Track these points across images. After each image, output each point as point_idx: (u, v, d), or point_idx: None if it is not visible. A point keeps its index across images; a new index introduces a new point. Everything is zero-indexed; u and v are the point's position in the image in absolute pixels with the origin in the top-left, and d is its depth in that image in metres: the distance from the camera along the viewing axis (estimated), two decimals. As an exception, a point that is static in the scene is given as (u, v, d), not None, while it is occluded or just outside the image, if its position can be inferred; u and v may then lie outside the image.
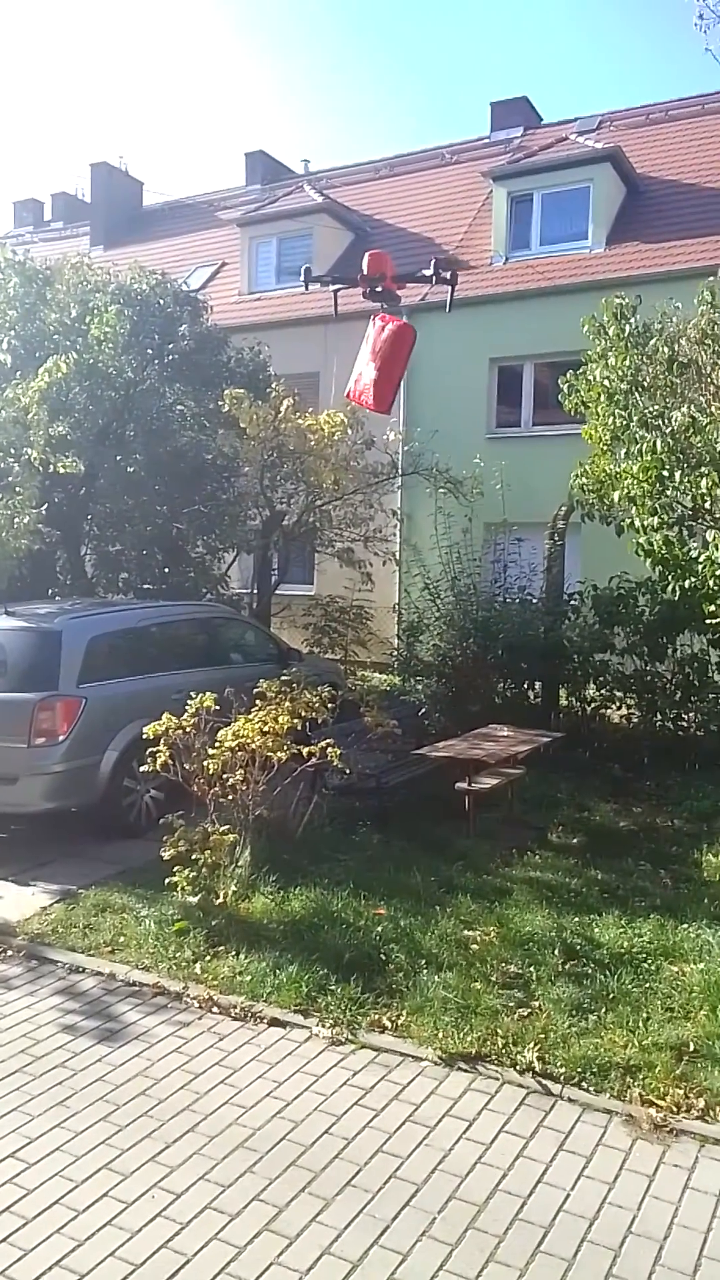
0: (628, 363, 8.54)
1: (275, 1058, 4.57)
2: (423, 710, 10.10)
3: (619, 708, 10.23)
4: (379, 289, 7.47)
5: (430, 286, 8.09)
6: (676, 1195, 3.64)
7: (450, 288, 7.85)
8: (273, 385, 12.98)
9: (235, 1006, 5.00)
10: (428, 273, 7.69)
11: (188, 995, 5.15)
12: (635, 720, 10.13)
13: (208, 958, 5.49)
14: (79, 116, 71.66)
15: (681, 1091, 4.21)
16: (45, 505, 10.46)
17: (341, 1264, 3.27)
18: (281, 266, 20.00)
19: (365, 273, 7.45)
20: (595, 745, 9.94)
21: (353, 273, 7.69)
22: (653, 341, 8.53)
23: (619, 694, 10.15)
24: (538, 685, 10.72)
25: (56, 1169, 3.74)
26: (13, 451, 9.99)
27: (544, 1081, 4.33)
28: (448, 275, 7.76)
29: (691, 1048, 4.51)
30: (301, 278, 7.91)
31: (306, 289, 7.78)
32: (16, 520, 9.48)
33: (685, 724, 9.90)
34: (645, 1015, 4.80)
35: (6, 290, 11.46)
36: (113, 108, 72.63)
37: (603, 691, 10.22)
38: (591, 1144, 3.94)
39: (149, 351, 12.41)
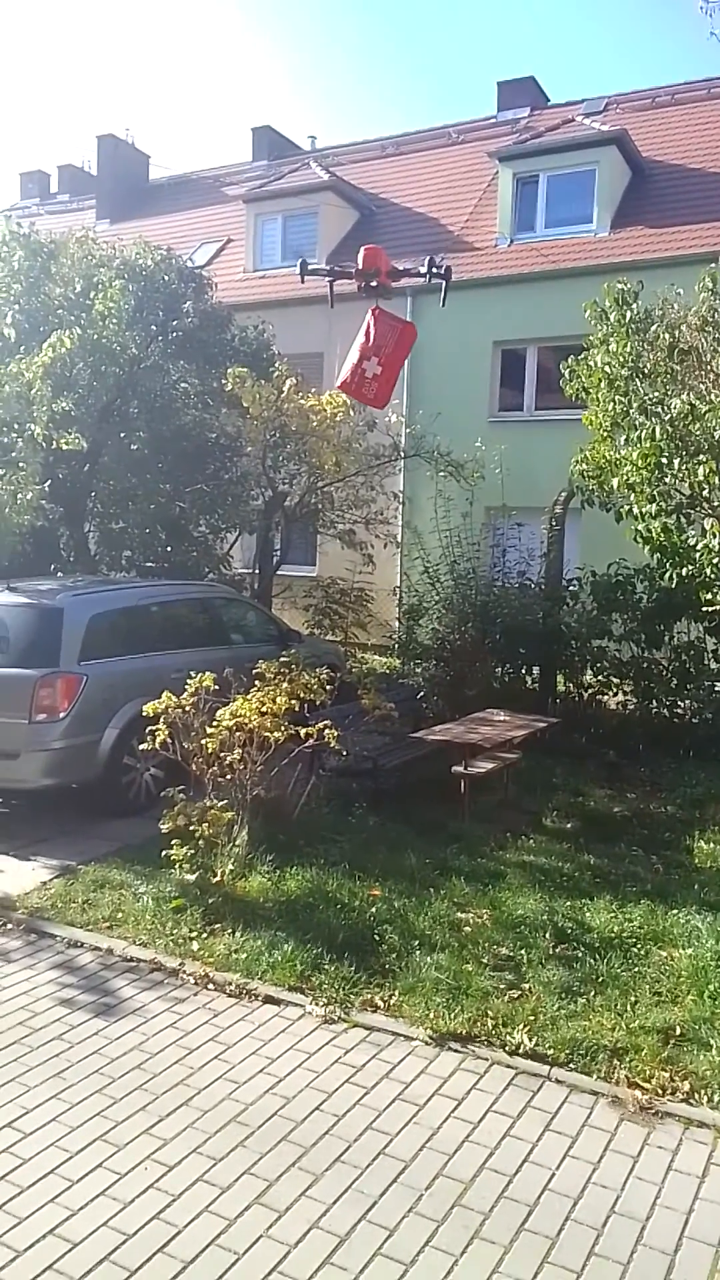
0: (629, 349, 8.52)
1: (269, 1035, 4.64)
2: (421, 694, 10.15)
3: (615, 694, 10.29)
4: (374, 284, 7.50)
5: (426, 281, 8.18)
6: (660, 1176, 3.71)
7: (445, 283, 7.88)
8: (276, 364, 12.93)
9: (230, 984, 5.07)
10: (422, 269, 7.74)
11: (184, 972, 5.22)
12: (631, 707, 10.19)
13: (204, 935, 5.56)
14: (86, 88, 70.95)
15: (667, 1074, 4.28)
16: (48, 481, 10.45)
17: (330, 1238, 3.34)
18: (287, 244, 19.89)
19: (360, 268, 7.49)
20: (591, 731, 9.99)
21: (351, 261, 7.73)
22: (654, 328, 8.51)
23: (615, 680, 10.20)
24: (535, 670, 10.77)
25: (52, 1139, 3.82)
26: (16, 427, 9.98)
27: (532, 1062, 4.40)
28: (442, 271, 7.80)
29: (678, 1031, 4.58)
30: (298, 270, 7.95)
31: (303, 280, 7.83)
32: (19, 496, 9.49)
33: (681, 711, 9.96)
34: (633, 999, 4.88)
35: (11, 264, 11.39)
36: (120, 80, 71.87)
37: (600, 677, 10.27)
38: (578, 1124, 4.01)
39: (153, 328, 12.35)
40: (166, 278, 12.54)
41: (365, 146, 23.61)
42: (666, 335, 8.42)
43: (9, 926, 5.79)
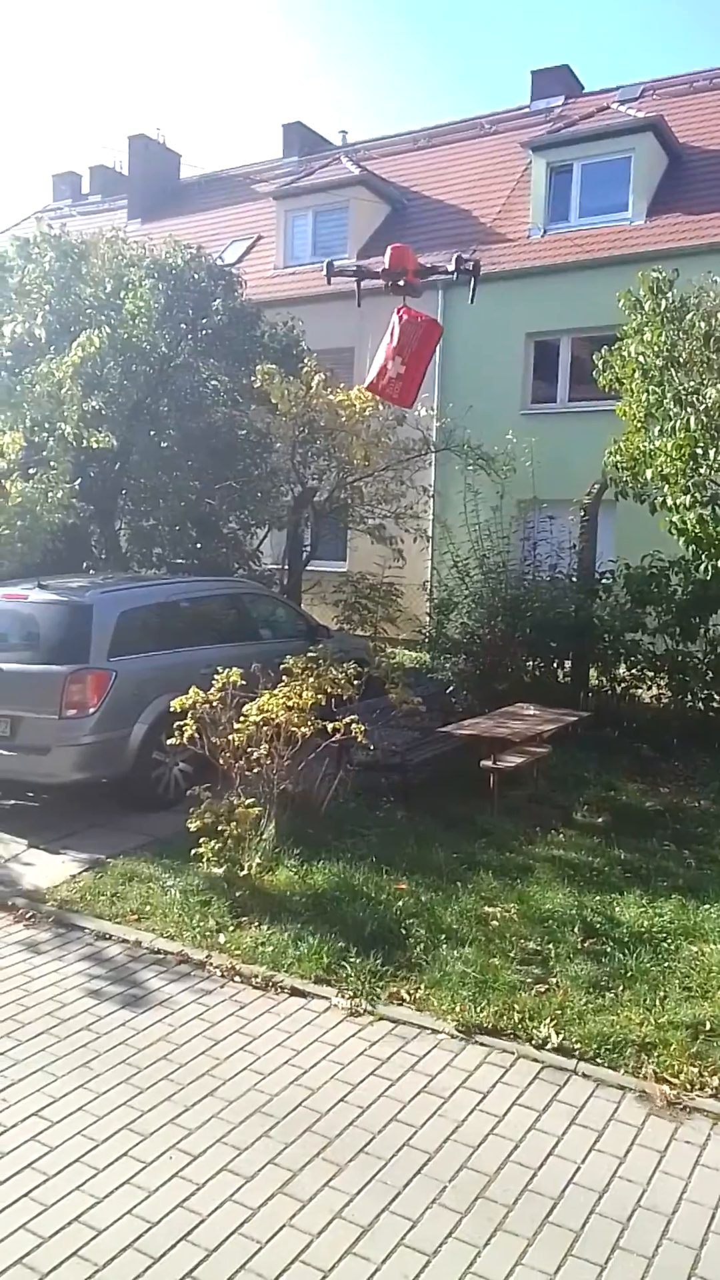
0: (663, 338, 8.42)
1: (294, 1027, 4.65)
2: (450, 688, 10.11)
3: (649, 688, 10.17)
4: (400, 283, 7.46)
5: (454, 279, 8.13)
6: (687, 1171, 3.67)
7: (474, 279, 7.81)
8: (305, 360, 12.95)
9: (256, 976, 5.09)
10: (450, 267, 7.68)
11: (210, 964, 5.25)
12: (665, 700, 10.07)
13: (231, 928, 5.59)
14: (118, 88, 71.45)
15: (696, 1070, 4.23)
16: (79, 480, 10.56)
17: (352, 1228, 3.34)
18: (317, 240, 19.88)
19: (387, 266, 7.45)
20: (624, 725, 9.88)
21: (380, 258, 7.70)
22: (689, 316, 8.39)
23: (649, 674, 10.08)
24: (567, 664, 10.68)
25: (78, 1128, 3.85)
26: (47, 426, 10.08)
27: (559, 1056, 4.37)
28: (470, 268, 7.74)
29: (708, 1027, 4.52)
30: (324, 271, 7.92)
31: (329, 282, 7.80)
32: (50, 494, 9.59)
33: (716, 705, 9.82)
34: (663, 994, 4.82)
35: (42, 265, 11.53)
36: (151, 79, 72.33)
37: (633, 671, 10.16)
38: (604, 1119, 3.97)
39: (183, 326, 12.42)
40: (196, 276, 12.60)
41: (396, 140, 23.54)
42: (702, 323, 8.30)
43: (39, 918, 5.86)
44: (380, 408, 12.13)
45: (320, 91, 68.84)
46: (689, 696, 9.90)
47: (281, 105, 73.14)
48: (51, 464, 9.81)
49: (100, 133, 63.00)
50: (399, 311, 7.33)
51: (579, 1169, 3.67)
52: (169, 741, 6.62)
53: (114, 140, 48.64)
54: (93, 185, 29.37)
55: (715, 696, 9.83)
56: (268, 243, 21.03)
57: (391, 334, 7.27)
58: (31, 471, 9.85)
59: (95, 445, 10.14)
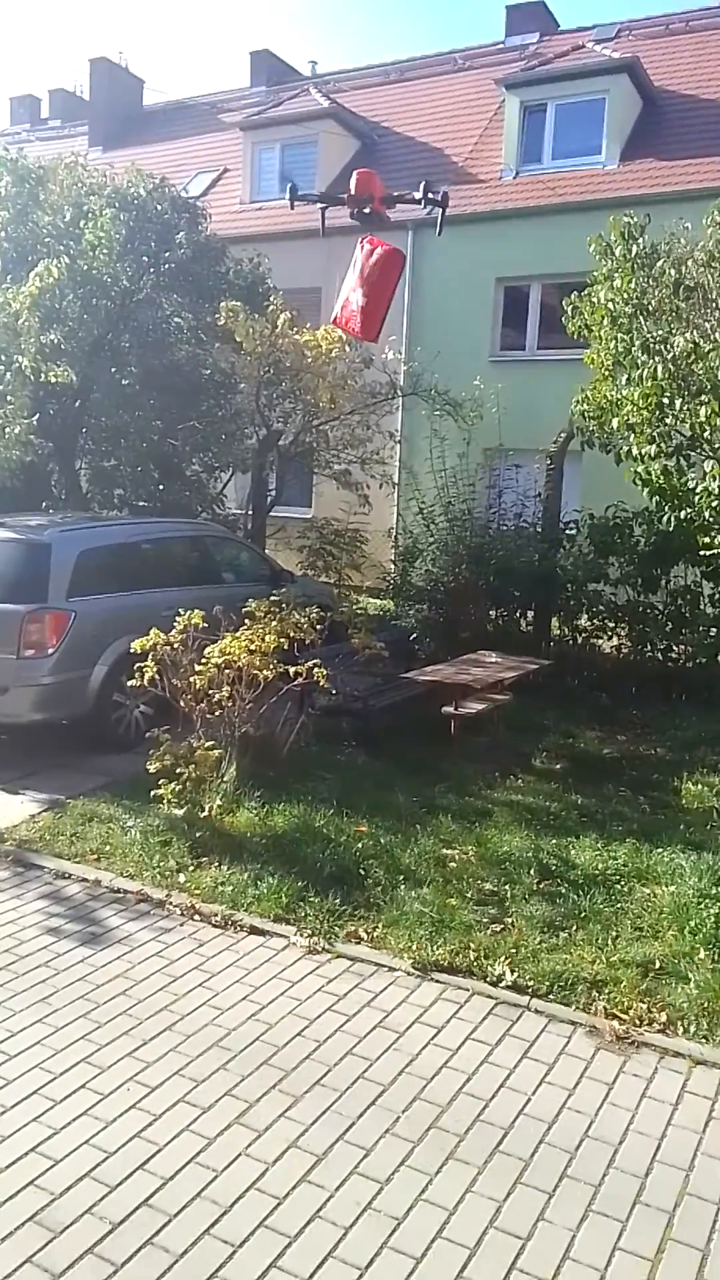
0: (633, 285, 8.31)
1: (253, 964, 4.69)
2: (413, 635, 10.13)
3: (610, 638, 10.26)
4: (367, 210, 7.25)
5: (421, 208, 7.88)
6: (634, 1103, 3.78)
7: (441, 209, 7.61)
8: (271, 299, 12.67)
9: (216, 915, 5.12)
10: (417, 195, 7.46)
11: (170, 903, 5.26)
12: (625, 651, 10.17)
13: (191, 868, 5.60)
14: (80, 9, 68.51)
15: (645, 1006, 4.34)
16: (37, 416, 10.28)
17: (307, 1157, 3.40)
18: (285, 174, 19.33)
19: (353, 193, 7.22)
20: (584, 674, 9.98)
21: (341, 191, 7.46)
22: (660, 263, 8.29)
23: (610, 624, 10.16)
24: (530, 614, 10.73)
25: (36, 1061, 3.87)
26: (3, 359, 9.79)
27: (513, 993, 4.46)
28: (438, 197, 7.53)
29: (658, 965, 4.64)
30: (286, 196, 7.67)
31: (292, 207, 7.55)
32: (7, 430, 9.36)
33: (675, 656, 9.94)
34: (615, 934, 4.93)
35: (-2, 189, 11.09)
36: (115, 0, 69.36)
37: (594, 621, 10.24)
38: (555, 1053, 4.07)
39: (145, 259, 12.04)
40: (159, 207, 12.19)
41: (368, 73, 22.90)
42: (672, 271, 8.20)
43: (-3, 858, 5.83)
44: (347, 348, 11.93)
45: (290, 20, 66.61)
46: (648, 647, 10.00)
47: (250, 33, 70.68)
48: (9, 398, 9.54)
49: (60, 55, 60.59)
50: (362, 241, 7.13)
51: (529, 1100, 3.76)
52: (129, 683, 6.58)
53: (75, 63, 46.92)
54: (52, 110, 28.34)
55: (674, 648, 9.95)
56: (234, 175, 20.45)
57: (354, 265, 7.08)
58: (-12, 406, 9.59)
59: (54, 380, 9.85)
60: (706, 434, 7.89)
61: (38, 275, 9.38)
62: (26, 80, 66.33)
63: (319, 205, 7.65)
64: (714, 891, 5.21)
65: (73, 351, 10.93)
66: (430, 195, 7.42)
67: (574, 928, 5.00)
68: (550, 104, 16.88)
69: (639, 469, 8.20)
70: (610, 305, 8.50)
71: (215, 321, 11.71)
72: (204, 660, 6.31)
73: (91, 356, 11.56)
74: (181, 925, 5.07)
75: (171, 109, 24.72)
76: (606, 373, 8.71)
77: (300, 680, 6.45)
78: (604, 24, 20.17)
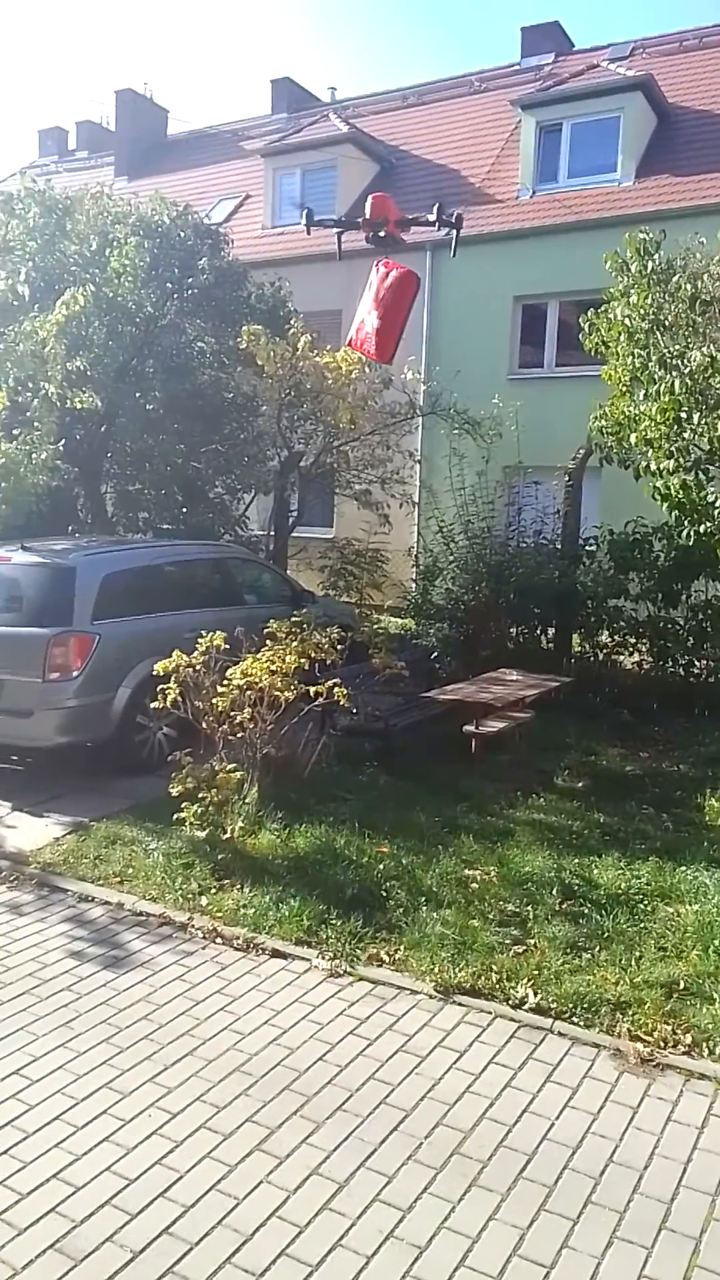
0: (649, 300, 8.34)
1: (275, 988, 4.69)
2: (434, 654, 10.12)
3: (631, 654, 10.21)
4: (382, 234, 7.32)
5: (436, 229, 7.95)
6: (659, 1127, 3.73)
7: (455, 231, 7.68)
8: (292, 322, 12.78)
9: (238, 938, 5.12)
10: (431, 217, 7.54)
11: (192, 926, 5.28)
12: (646, 667, 10.11)
13: (213, 890, 5.61)
14: (105, 42, 69.78)
15: (669, 1028, 4.29)
16: (64, 441, 10.43)
17: (329, 1184, 3.39)
18: (305, 199, 19.54)
19: (368, 216, 7.30)
20: (606, 691, 9.93)
21: (357, 215, 7.56)
22: (675, 278, 8.31)
23: (631, 640, 10.11)
24: (551, 630, 10.70)
25: (58, 1086, 3.88)
26: (30, 386, 9.94)
27: (536, 1016, 4.42)
28: (452, 219, 7.60)
29: (682, 986, 4.59)
30: (302, 221, 7.76)
31: (308, 232, 7.64)
32: (34, 455, 9.46)
33: (697, 671, 9.87)
34: (638, 954, 4.88)
35: (26, 221, 11.30)
36: (139, 33, 70.62)
37: (615, 637, 10.19)
38: (579, 1076, 4.03)
39: (169, 285, 12.21)
40: (182, 234, 12.38)
41: (385, 97, 23.13)
42: (688, 286, 8.23)
43: (21, 880, 5.88)
44: (367, 370, 12.01)
45: (309, 47, 67.45)
46: (670, 663, 9.94)
47: (270, 61, 71.65)
48: (35, 424, 9.67)
49: (87, 87, 61.72)
50: (378, 264, 7.20)
51: (553, 1125, 3.73)
52: (153, 705, 6.62)
53: (101, 95, 47.74)
54: (79, 141, 28.83)
55: (695, 663, 9.88)
56: (255, 202, 20.70)
57: (369, 287, 7.14)
58: (15, 432, 9.72)
59: (80, 406, 10.00)
60: (725, 448, 7.87)
61: (64, 303, 9.53)
62: (55, 113, 67.49)
63: (335, 230, 7.72)
64: (739, 911, 5.16)
65: (98, 378, 11.09)
66: (444, 217, 7.49)
67: (597, 948, 4.96)
68: (566, 123, 16.98)
69: (658, 484, 8.19)
70: (627, 321, 8.53)
71: (237, 345, 11.83)
72: (226, 682, 6.35)
73: (117, 382, 11.72)
74: (204, 948, 5.08)
75: (195, 137, 25.09)
76: (624, 388, 8.73)
77: (321, 701, 6.46)
78: (618, 43, 20.30)
